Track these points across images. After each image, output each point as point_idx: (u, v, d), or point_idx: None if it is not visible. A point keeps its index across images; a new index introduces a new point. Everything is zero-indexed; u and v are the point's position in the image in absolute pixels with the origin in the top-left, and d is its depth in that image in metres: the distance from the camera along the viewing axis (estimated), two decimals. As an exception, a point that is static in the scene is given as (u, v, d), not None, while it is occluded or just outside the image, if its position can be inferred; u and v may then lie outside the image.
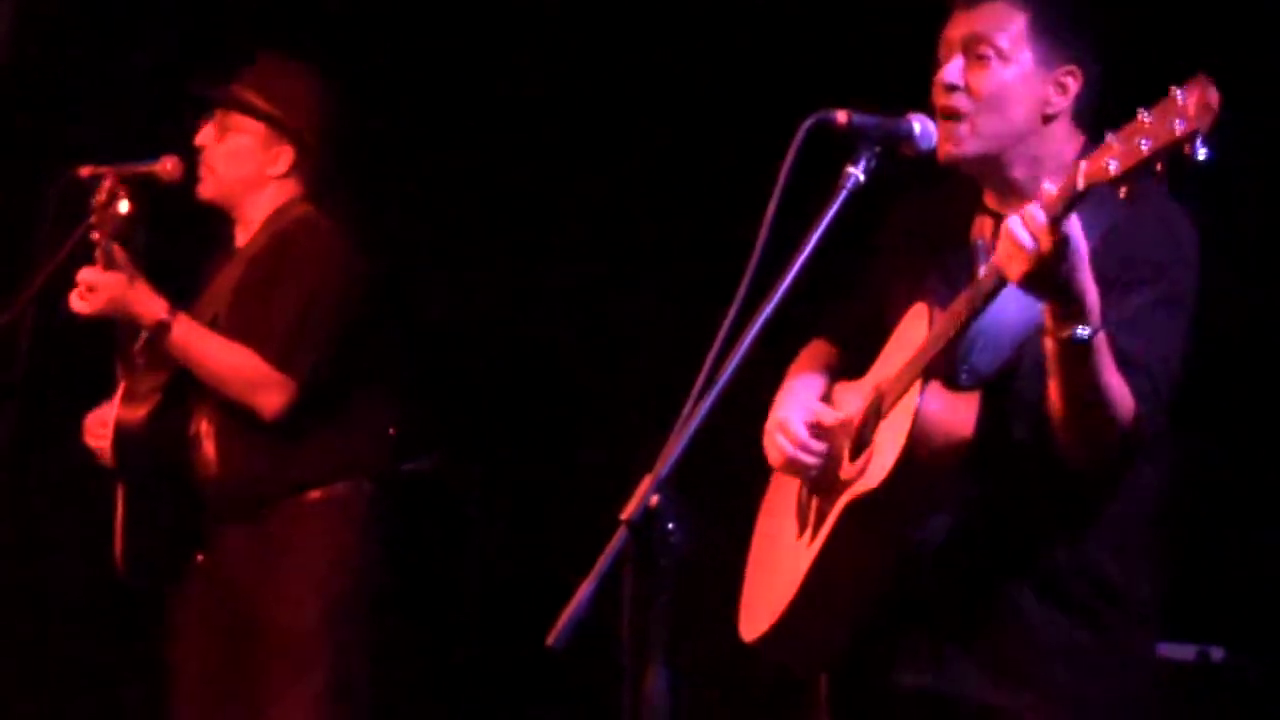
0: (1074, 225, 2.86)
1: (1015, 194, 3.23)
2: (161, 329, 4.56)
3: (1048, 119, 3.21)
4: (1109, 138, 2.72)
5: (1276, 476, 4.68)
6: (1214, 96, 2.58)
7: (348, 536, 4.64)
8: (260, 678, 4.58)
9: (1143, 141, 2.64)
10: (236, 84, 4.75)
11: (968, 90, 3.21)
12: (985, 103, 3.19)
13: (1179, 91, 2.61)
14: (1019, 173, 3.23)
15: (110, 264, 4.57)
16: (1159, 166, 2.64)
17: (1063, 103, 3.21)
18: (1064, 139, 3.23)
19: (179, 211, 4.85)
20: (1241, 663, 4.48)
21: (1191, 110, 2.58)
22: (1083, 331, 2.93)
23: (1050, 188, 2.86)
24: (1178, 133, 2.59)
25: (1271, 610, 4.60)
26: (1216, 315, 3.28)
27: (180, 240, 5.02)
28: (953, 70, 3.22)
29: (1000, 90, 3.19)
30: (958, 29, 3.25)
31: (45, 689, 5.78)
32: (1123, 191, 2.71)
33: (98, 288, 4.56)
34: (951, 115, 3.21)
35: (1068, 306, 2.92)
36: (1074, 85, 3.21)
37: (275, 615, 4.58)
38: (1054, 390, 3.03)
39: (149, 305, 4.57)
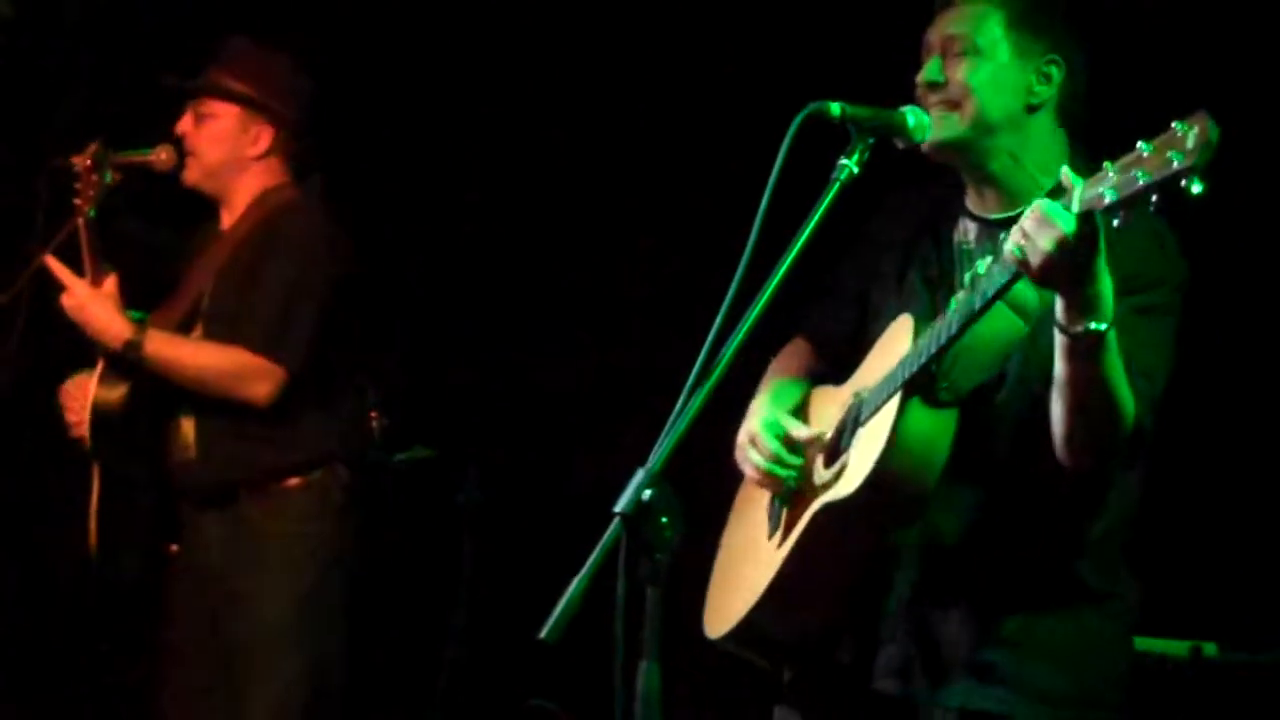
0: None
1: (993, 190, 3.26)
2: (132, 349, 4.56)
3: (1032, 108, 3.23)
4: (1106, 168, 2.72)
5: (1268, 473, 4.69)
6: (1213, 133, 2.56)
7: (324, 524, 4.63)
8: (236, 665, 4.57)
9: (1139, 174, 2.64)
10: (208, 70, 4.74)
11: (949, 84, 3.23)
12: (968, 92, 3.21)
13: (1178, 126, 2.61)
14: (999, 166, 3.24)
15: (97, 269, 4.59)
16: (1153, 198, 2.64)
17: (1047, 92, 3.24)
18: (1047, 134, 3.25)
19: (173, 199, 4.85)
20: (1234, 659, 4.48)
21: (1190, 146, 2.57)
22: (1098, 325, 2.91)
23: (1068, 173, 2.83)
24: (1174, 168, 2.59)
25: (1263, 607, 4.60)
26: (1206, 313, 3.28)
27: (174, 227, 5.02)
28: (931, 69, 3.25)
29: (980, 82, 3.21)
30: (935, 32, 3.29)
31: (39, 674, 5.77)
32: (1117, 220, 2.71)
33: (70, 293, 4.58)
34: (936, 108, 3.22)
35: (1085, 298, 2.89)
36: (1057, 74, 3.24)
37: (250, 602, 4.57)
38: (1062, 388, 3.00)
39: (113, 329, 4.57)
